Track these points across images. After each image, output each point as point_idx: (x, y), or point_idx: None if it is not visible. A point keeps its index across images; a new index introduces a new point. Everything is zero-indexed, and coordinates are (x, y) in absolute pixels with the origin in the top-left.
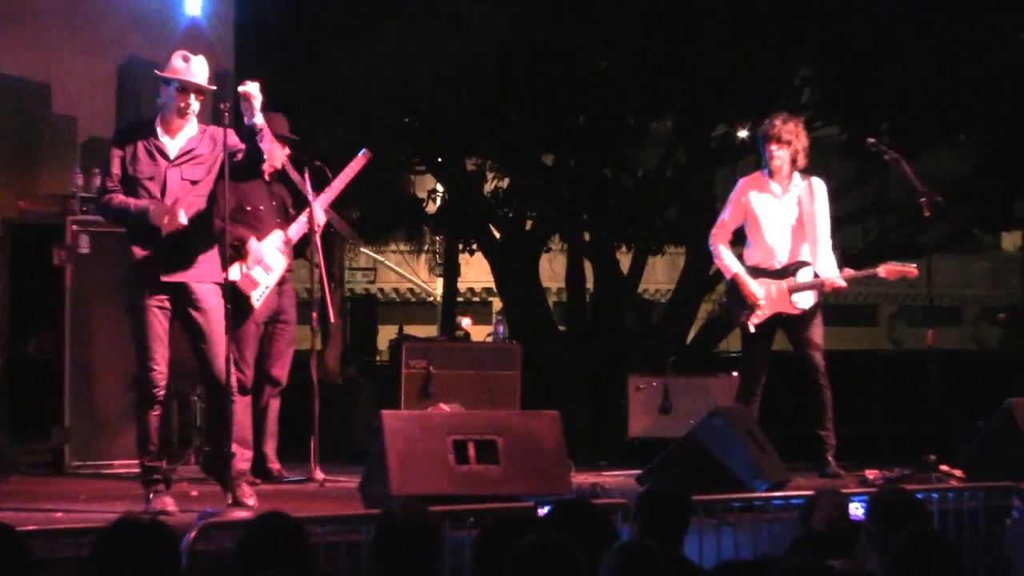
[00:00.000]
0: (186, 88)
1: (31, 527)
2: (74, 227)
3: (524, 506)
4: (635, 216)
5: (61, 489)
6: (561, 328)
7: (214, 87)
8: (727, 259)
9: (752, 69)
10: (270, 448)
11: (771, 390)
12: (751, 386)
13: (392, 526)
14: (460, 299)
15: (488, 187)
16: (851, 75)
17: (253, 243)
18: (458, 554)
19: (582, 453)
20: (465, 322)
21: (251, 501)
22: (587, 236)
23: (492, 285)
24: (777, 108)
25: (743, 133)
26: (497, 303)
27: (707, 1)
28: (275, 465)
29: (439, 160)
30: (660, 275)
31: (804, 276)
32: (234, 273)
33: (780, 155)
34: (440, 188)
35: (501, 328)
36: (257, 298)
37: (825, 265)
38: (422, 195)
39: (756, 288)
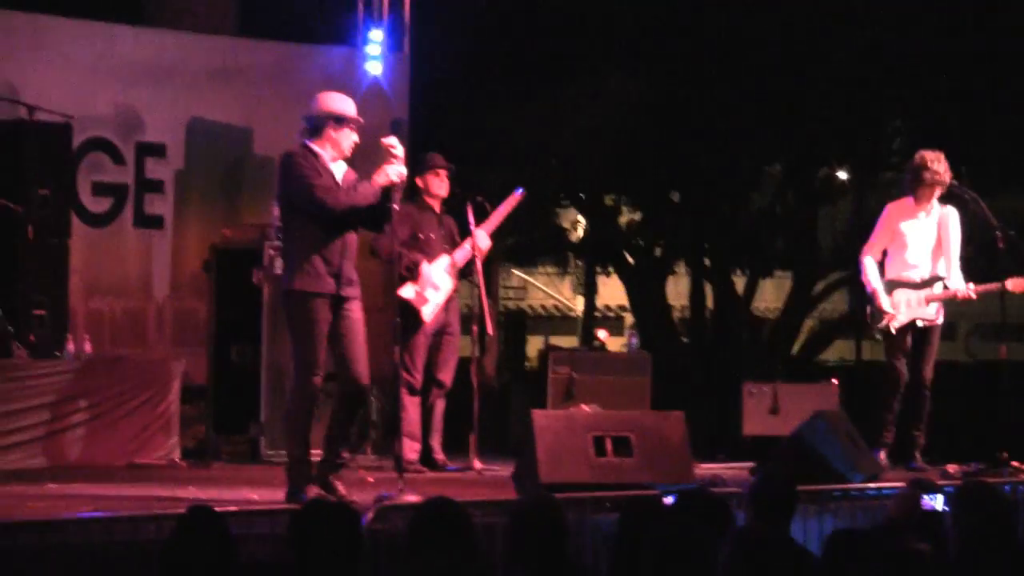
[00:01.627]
0: (351, 124)
1: (231, 508)
2: (270, 251)
3: (651, 493)
4: (749, 245)
5: (257, 475)
6: (684, 340)
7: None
8: (869, 274)
9: (851, 121)
10: (436, 442)
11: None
12: (898, 380)
13: (520, 515)
14: (597, 314)
15: (623, 219)
16: (934, 126)
17: (424, 266)
18: (596, 534)
19: (703, 449)
20: (602, 334)
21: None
22: (707, 262)
23: (626, 303)
24: (872, 154)
25: (843, 175)
26: (629, 318)
27: (812, 67)
28: (440, 456)
29: (582, 196)
30: (769, 296)
31: (939, 289)
32: (408, 292)
33: (930, 186)
34: (582, 219)
35: (634, 340)
36: (427, 314)
37: (956, 280)
38: (567, 225)
39: (886, 301)
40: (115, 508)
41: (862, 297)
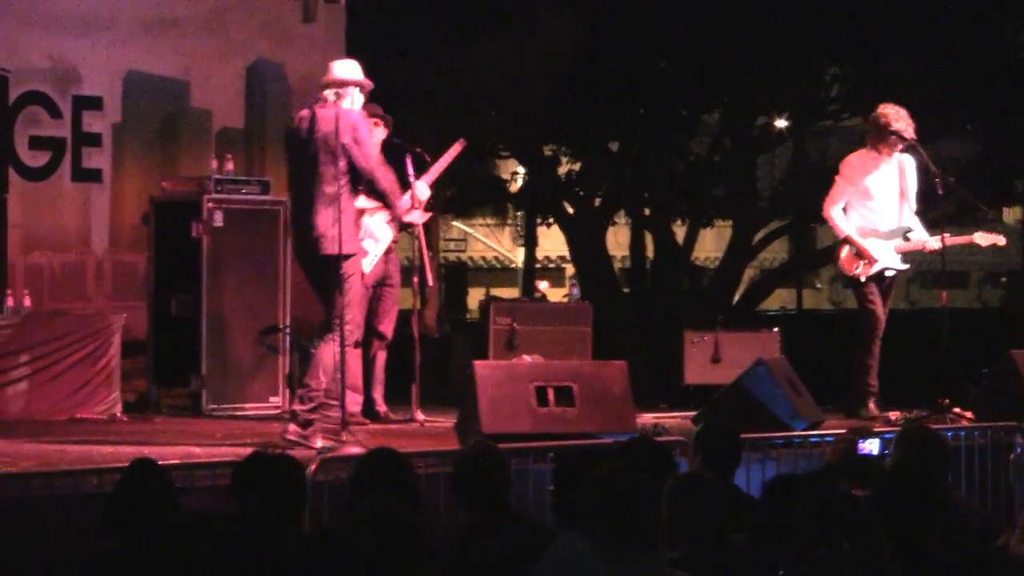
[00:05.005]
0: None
1: (173, 460)
2: (209, 204)
3: (600, 443)
4: (688, 194)
5: (199, 428)
6: (625, 290)
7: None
8: (840, 223)
9: (787, 68)
10: (378, 393)
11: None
12: (876, 326)
13: (465, 463)
14: (538, 265)
15: (563, 169)
16: (872, 73)
17: (364, 218)
18: (540, 483)
19: (645, 398)
20: (543, 285)
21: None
22: (647, 211)
23: (566, 254)
24: (808, 102)
25: (780, 123)
26: (570, 269)
27: (748, 12)
28: (382, 408)
29: (520, 146)
30: (709, 245)
31: (908, 240)
32: None
33: (893, 143)
34: (521, 170)
35: (575, 290)
36: (367, 265)
37: (919, 230)
38: (506, 176)
39: (871, 246)
40: (57, 462)
41: (828, 248)
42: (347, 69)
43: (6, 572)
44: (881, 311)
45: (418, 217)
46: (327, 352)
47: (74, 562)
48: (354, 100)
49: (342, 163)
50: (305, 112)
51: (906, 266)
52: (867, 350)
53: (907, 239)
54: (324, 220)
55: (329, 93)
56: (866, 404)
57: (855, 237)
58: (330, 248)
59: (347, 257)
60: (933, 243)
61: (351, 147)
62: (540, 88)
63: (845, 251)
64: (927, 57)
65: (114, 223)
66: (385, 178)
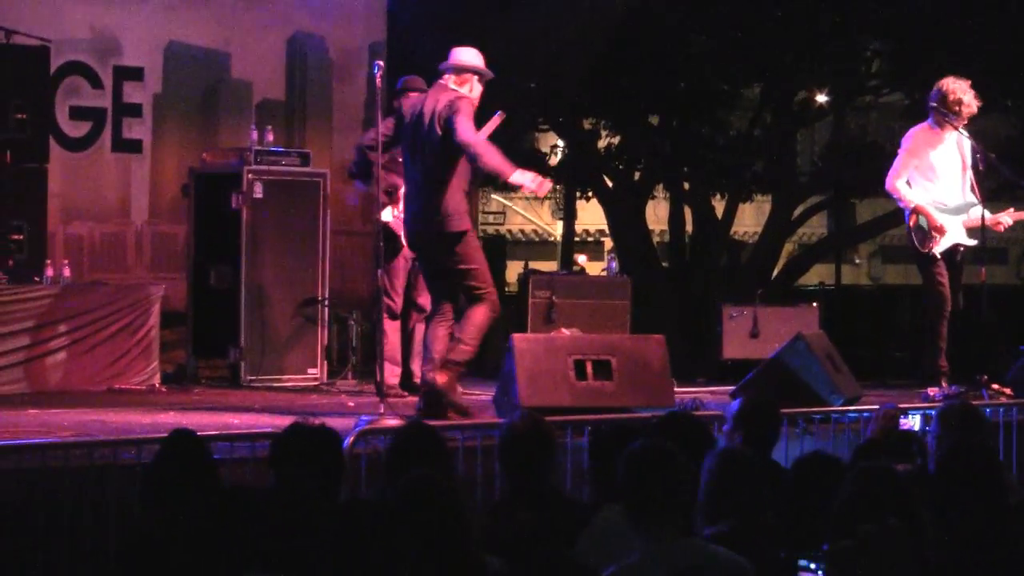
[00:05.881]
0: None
1: (212, 432)
2: (249, 176)
3: (639, 416)
4: (727, 168)
5: (237, 400)
6: (664, 264)
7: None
8: (908, 195)
9: (828, 43)
10: (416, 366)
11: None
12: (943, 304)
13: (512, 433)
14: (577, 239)
15: (602, 143)
16: (914, 48)
17: (403, 190)
18: (578, 457)
19: (683, 372)
20: (581, 259)
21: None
22: (686, 186)
23: (605, 227)
24: (850, 77)
25: (821, 98)
26: (608, 243)
27: None
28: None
29: (560, 120)
30: (748, 219)
31: (978, 214)
32: (387, 215)
33: (959, 117)
34: (561, 144)
35: (613, 264)
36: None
37: (978, 207)
38: (545, 150)
39: (942, 217)
40: (95, 433)
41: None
42: (468, 56)
43: (46, 542)
44: (948, 290)
45: (529, 181)
46: (479, 313)
47: (112, 532)
48: (472, 87)
49: (450, 143)
50: (416, 96)
51: (974, 241)
52: (937, 331)
53: (985, 214)
54: (444, 199)
55: (450, 79)
56: (939, 384)
57: (927, 207)
58: (456, 225)
59: (465, 233)
60: (1005, 218)
61: (451, 130)
62: (579, 61)
63: (916, 225)
64: (967, 34)
65: (154, 194)
66: (489, 154)
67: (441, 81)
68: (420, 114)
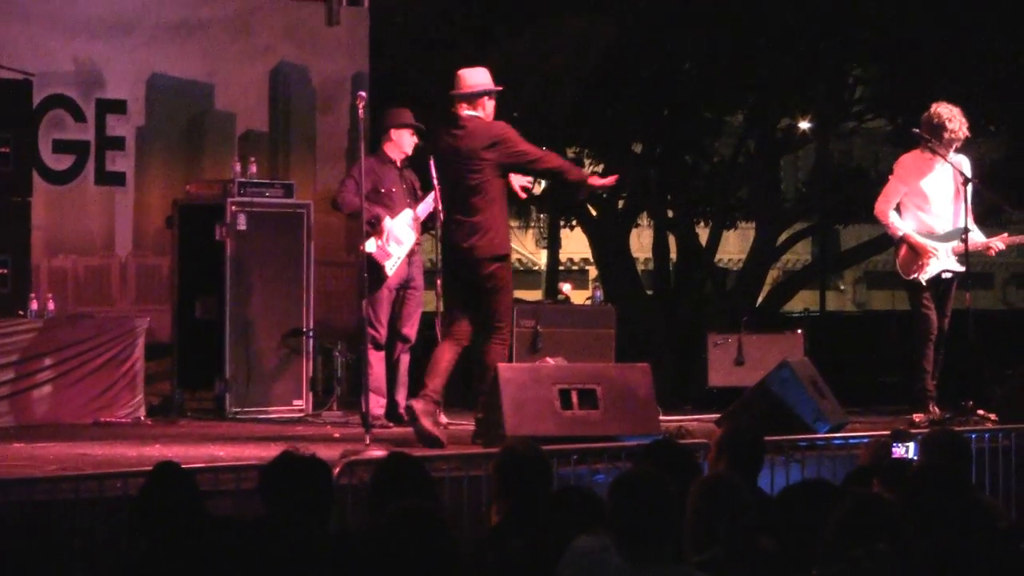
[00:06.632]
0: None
1: (198, 463)
2: (233, 207)
3: (624, 445)
4: (712, 196)
5: (223, 431)
6: (649, 292)
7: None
8: (896, 223)
9: (812, 71)
10: (401, 396)
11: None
12: (930, 329)
13: (512, 458)
14: (561, 268)
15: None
16: (897, 75)
17: (387, 220)
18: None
19: (668, 400)
20: (566, 287)
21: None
22: (670, 213)
23: (589, 256)
24: (833, 103)
25: (804, 124)
26: (593, 271)
27: (773, 18)
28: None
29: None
30: (733, 247)
31: (970, 240)
32: (370, 246)
33: (948, 144)
34: None
35: (598, 292)
36: (391, 268)
37: (975, 232)
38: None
39: (929, 244)
40: (82, 466)
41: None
42: (476, 78)
43: None
44: (935, 315)
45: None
46: (495, 354)
47: (101, 566)
48: (485, 107)
49: (488, 171)
50: (443, 130)
51: (963, 268)
52: (923, 354)
53: (976, 240)
54: (479, 226)
55: (464, 108)
56: (925, 408)
57: (913, 235)
58: (486, 251)
59: (501, 258)
60: (997, 243)
61: (502, 154)
62: (566, 90)
63: (904, 252)
64: (952, 59)
65: (138, 226)
66: (549, 158)
67: (456, 112)
68: (455, 148)
